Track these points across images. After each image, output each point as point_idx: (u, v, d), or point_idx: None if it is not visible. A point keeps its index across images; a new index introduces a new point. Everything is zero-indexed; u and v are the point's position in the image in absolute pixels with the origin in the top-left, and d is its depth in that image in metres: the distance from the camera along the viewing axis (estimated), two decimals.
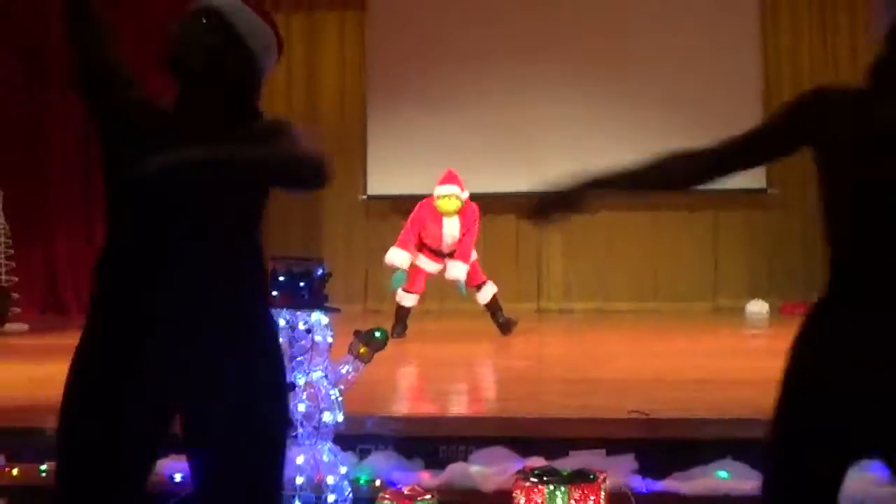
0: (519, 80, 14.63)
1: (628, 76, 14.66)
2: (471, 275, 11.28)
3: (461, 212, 11.08)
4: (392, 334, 10.71)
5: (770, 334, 12.32)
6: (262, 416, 3.34)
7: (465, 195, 11.16)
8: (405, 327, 11.27)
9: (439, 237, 11.07)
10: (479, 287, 11.38)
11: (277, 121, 3.48)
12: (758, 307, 13.95)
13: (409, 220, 11.29)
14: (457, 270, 11.09)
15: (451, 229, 11.03)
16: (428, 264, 11.26)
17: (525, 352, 10.54)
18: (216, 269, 3.29)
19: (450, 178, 11.14)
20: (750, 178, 14.51)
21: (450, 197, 11.01)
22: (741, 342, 11.49)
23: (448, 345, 10.92)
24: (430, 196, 11.07)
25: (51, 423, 6.31)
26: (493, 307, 11.47)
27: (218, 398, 3.28)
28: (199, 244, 3.28)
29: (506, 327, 11.37)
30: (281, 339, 3.81)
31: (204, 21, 3.42)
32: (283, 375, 3.48)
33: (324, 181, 3.25)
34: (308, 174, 3.25)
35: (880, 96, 3.23)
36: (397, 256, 11.14)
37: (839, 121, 3.20)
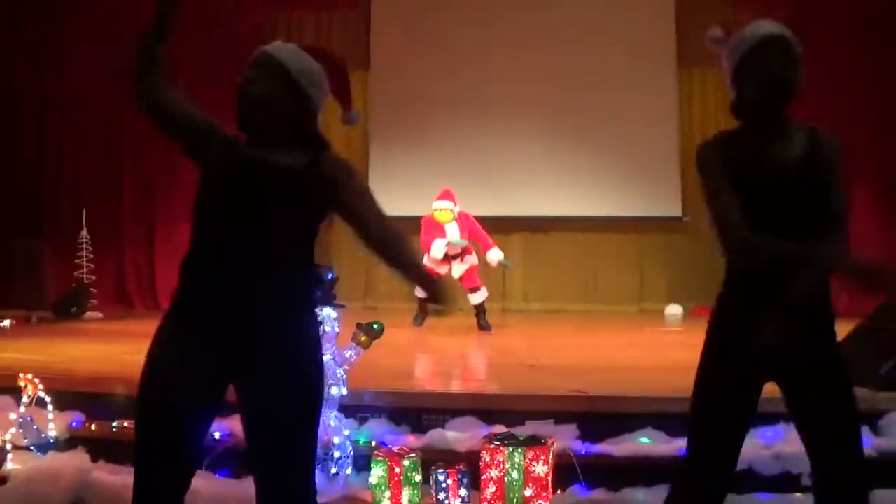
0: (492, 129, 14.62)
1: (573, 129, 14.66)
2: (468, 277, 11.24)
3: (457, 219, 11.10)
4: (415, 323, 11.21)
5: (683, 331, 12.29)
6: (304, 388, 3.32)
7: (458, 208, 11.20)
8: (425, 316, 11.42)
9: (444, 236, 11.06)
10: (473, 290, 11.29)
11: (345, 167, 3.47)
12: (674, 310, 13.94)
13: (420, 240, 11.13)
14: (493, 255, 11.30)
15: (453, 233, 11.02)
16: (435, 266, 11.11)
17: (491, 343, 10.50)
18: (274, 275, 3.26)
19: (444, 195, 11.16)
20: (670, 208, 14.57)
21: (444, 210, 11.03)
22: (660, 337, 11.45)
23: (433, 336, 10.86)
24: (426, 214, 11.07)
25: (119, 389, 6.40)
26: (479, 309, 11.41)
27: (270, 373, 3.26)
28: (263, 254, 3.25)
29: (484, 328, 11.32)
30: None
31: (258, 72, 3.36)
32: (321, 362, 3.44)
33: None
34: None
35: (742, 135, 3.51)
36: (435, 247, 11.07)
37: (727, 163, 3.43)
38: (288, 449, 3.30)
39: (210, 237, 3.29)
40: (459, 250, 11.11)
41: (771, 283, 3.35)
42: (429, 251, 10.97)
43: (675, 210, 14.71)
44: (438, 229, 11.05)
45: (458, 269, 11.16)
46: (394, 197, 13.57)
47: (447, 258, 11.10)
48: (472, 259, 11.30)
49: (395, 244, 3.46)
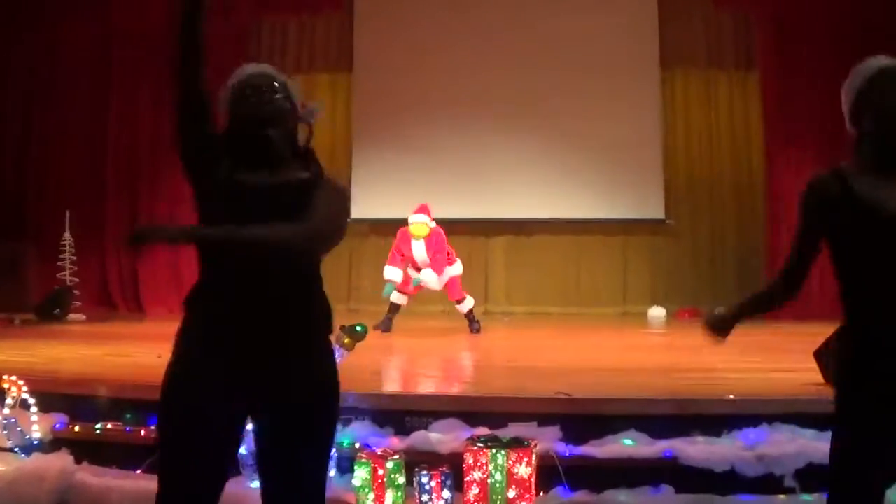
0: (475, 131, 14.65)
1: (556, 131, 14.68)
2: (452, 290, 11.29)
3: (427, 237, 10.96)
4: (380, 325, 10.94)
5: (666, 333, 12.36)
6: (319, 416, 3.31)
7: (433, 224, 11.10)
8: (391, 322, 11.22)
9: (412, 257, 11.02)
10: (459, 301, 11.36)
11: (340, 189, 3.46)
12: (657, 312, 13.98)
13: (393, 246, 11.19)
14: (425, 275, 11.01)
15: (419, 251, 10.95)
16: (412, 273, 11.16)
17: (474, 345, 10.52)
18: (278, 301, 3.23)
19: (421, 210, 11.09)
20: (653, 211, 14.61)
21: (420, 224, 10.95)
22: (644, 339, 11.50)
23: (416, 339, 10.88)
24: (404, 223, 11.06)
25: (103, 391, 6.41)
26: (469, 317, 11.44)
27: (286, 401, 3.24)
28: (262, 283, 3.21)
29: (475, 330, 11.38)
30: None
31: (257, 92, 3.35)
32: (337, 386, 3.41)
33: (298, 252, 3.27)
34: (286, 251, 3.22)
35: (860, 172, 3.34)
36: (391, 272, 11.11)
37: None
38: (304, 478, 3.31)
39: (225, 265, 3.28)
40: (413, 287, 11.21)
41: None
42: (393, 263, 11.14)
43: (658, 212, 14.77)
44: (408, 245, 11.04)
45: (438, 280, 11.15)
46: (377, 199, 13.70)
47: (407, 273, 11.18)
48: (455, 269, 11.27)
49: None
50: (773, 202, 13.75)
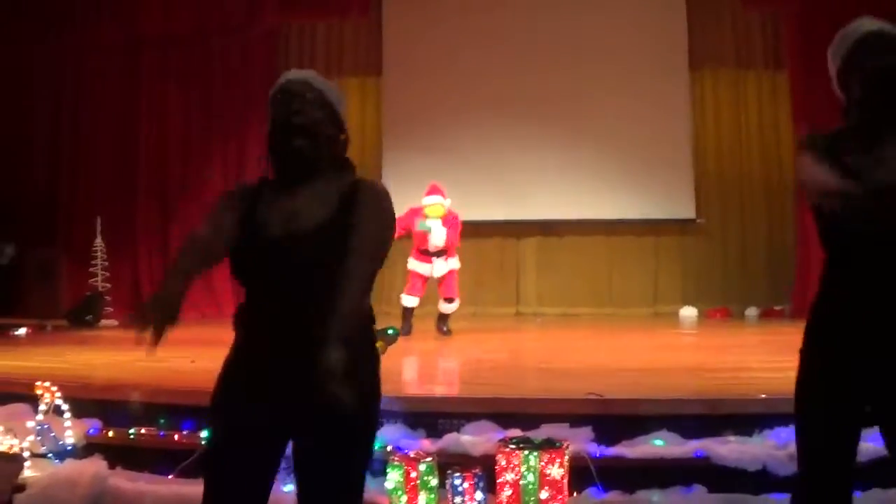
0: (504, 133, 14.68)
1: (586, 132, 14.69)
2: (447, 285, 11.10)
3: (444, 218, 10.85)
4: (401, 332, 10.74)
5: (697, 333, 12.35)
6: (361, 423, 3.30)
7: (448, 203, 10.96)
8: (410, 326, 11.03)
9: (425, 237, 10.85)
10: (449, 300, 11.16)
11: (381, 192, 3.44)
12: (689, 312, 13.97)
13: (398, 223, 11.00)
14: (435, 226, 10.82)
15: (437, 233, 10.79)
16: (418, 266, 11.03)
17: (506, 346, 10.53)
18: (311, 321, 3.13)
19: (433, 190, 10.99)
20: (683, 210, 14.58)
21: (436, 206, 10.84)
22: (675, 339, 11.47)
23: (445, 340, 10.89)
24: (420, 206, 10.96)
25: (135, 396, 6.47)
26: (446, 319, 11.29)
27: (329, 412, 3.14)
28: (300, 298, 3.20)
29: (445, 332, 11.23)
30: None
31: (300, 97, 3.32)
32: (378, 393, 3.42)
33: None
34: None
35: (849, 135, 3.37)
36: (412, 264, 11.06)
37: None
38: (344, 484, 3.31)
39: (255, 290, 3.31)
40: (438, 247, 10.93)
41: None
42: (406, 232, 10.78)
43: (688, 212, 14.74)
44: (414, 224, 10.87)
45: (439, 269, 11.01)
46: (407, 201, 13.66)
47: (428, 254, 10.96)
48: (454, 263, 11.10)
49: (343, 281, 3.20)
50: (803, 202, 13.66)
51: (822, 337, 3.38)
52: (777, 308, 13.79)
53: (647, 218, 14.77)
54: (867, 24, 3.41)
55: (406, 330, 10.88)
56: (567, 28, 14.86)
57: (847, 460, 3.34)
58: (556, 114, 14.71)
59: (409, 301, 11.14)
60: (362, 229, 3.23)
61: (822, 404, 3.34)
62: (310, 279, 3.19)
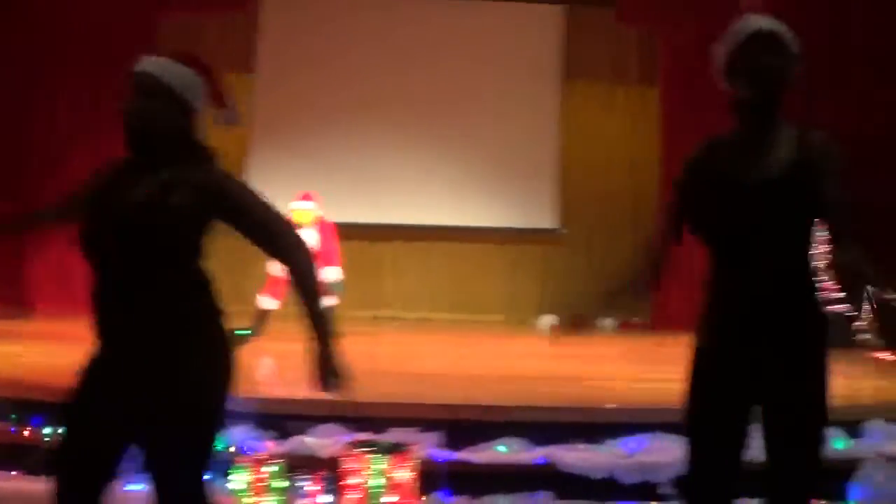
0: (373, 137, 14.68)
1: (454, 138, 14.77)
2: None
3: (317, 224, 10.72)
4: (252, 333, 10.48)
5: (554, 342, 12.48)
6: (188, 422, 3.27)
7: (320, 212, 10.84)
8: (261, 328, 10.76)
9: None
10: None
11: (235, 182, 3.40)
12: (548, 320, 14.10)
13: None
14: (328, 274, 10.65)
15: (309, 238, 10.67)
16: (281, 271, 10.83)
17: (360, 349, 10.43)
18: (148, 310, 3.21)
19: (305, 197, 10.85)
20: (547, 220, 14.76)
21: (304, 211, 10.66)
22: (531, 347, 11.59)
23: (298, 342, 10.72)
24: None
25: None
26: (264, 318, 10.93)
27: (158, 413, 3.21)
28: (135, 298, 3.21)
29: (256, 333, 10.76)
30: None
31: (136, 92, 3.33)
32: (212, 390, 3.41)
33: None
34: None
35: (729, 138, 3.45)
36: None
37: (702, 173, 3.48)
38: (180, 484, 3.29)
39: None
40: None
41: None
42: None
43: (552, 222, 14.93)
44: None
45: (324, 273, 10.69)
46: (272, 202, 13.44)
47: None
48: (332, 273, 10.91)
49: (301, 275, 3.46)
50: None
51: (709, 335, 3.47)
52: (635, 320, 14.01)
53: (510, 226, 14.90)
54: (755, 21, 3.44)
55: (257, 331, 10.71)
56: (441, 33, 14.93)
57: (735, 459, 3.42)
58: (426, 119, 14.78)
59: (267, 303, 10.93)
60: (263, 217, 3.36)
61: (711, 402, 3.43)
62: (131, 261, 3.18)
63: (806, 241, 3.39)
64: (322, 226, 10.86)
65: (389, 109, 14.73)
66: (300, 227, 10.48)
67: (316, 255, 9.78)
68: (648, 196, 14.60)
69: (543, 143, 15.00)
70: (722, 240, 3.39)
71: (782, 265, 3.34)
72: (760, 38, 3.38)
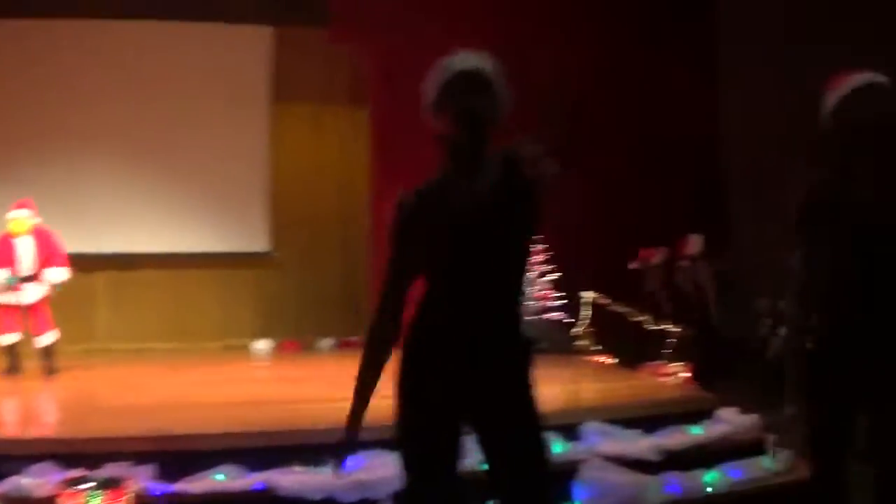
0: (81, 161, 14.29)
1: (165, 166, 14.60)
2: (40, 316, 10.59)
3: (34, 233, 10.47)
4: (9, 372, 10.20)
5: (270, 366, 12.61)
6: None
7: (37, 220, 10.59)
8: (15, 366, 10.50)
9: (12, 259, 10.35)
10: (43, 332, 10.64)
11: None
12: (262, 345, 14.18)
13: None
14: (55, 275, 10.48)
15: (25, 249, 10.39)
16: (3, 297, 10.43)
17: (73, 384, 10.29)
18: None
19: (22, 204, 10.60)
20: (258, 244, 14.83)
21: (19, 220, 10.41)
22: (246, 372, 11.64)
23: (8, 381, 10.44)
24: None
25: None
26: (49, 351, 10.70)
27: None
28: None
29: (51, 371, 10.59)
30: None
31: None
32: None
33: None
34: None
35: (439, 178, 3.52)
36: None
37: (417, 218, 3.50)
38: None
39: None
40: (8, 287, 10.40)
41: None
42: None
43: (263, 246, 15.01)
44: (7, 249, 10.41)
45: (29, 295, 10.53)
46: None
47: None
48: (57, 274, 10.63)
49: None
50: (378, 236, 14.17)
51: (417, 354, 3.52)
52: (352, 339, 14.24)
53: (221, 251, 14.87)
54: (462, 61, 3.45)
55: (14, 368, 10.43)
56: (152, 57, 14.66)
57: (449, 471, 3.53)
58: (136, 146, 14.48)
59: (6, 339, 10.57)
60: None
61: (424, 418, 3.53)
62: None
63: (519, 265, 3.53)
64: (38, 233, 10.60)
65: (101, 137, 14.36)
66: (16, 235, 10.23)
67: (39, 261, 9.45)
68: (358, 217, 14.87)
69: (254, 167, 15.02)
70: (434, 266, 3.47)
71: (494, 290, 3.44)
72: (465, 78, 3.39)
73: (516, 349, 3.53)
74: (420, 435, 3.54)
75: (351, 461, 5.98)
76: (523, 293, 3.63)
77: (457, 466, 3.55)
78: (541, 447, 3.53)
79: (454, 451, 3.53)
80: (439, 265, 3.47)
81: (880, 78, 4.07)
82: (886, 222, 3.90)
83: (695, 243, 13.00)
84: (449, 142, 3.44)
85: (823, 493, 4.15)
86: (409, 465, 3.55)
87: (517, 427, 3.49)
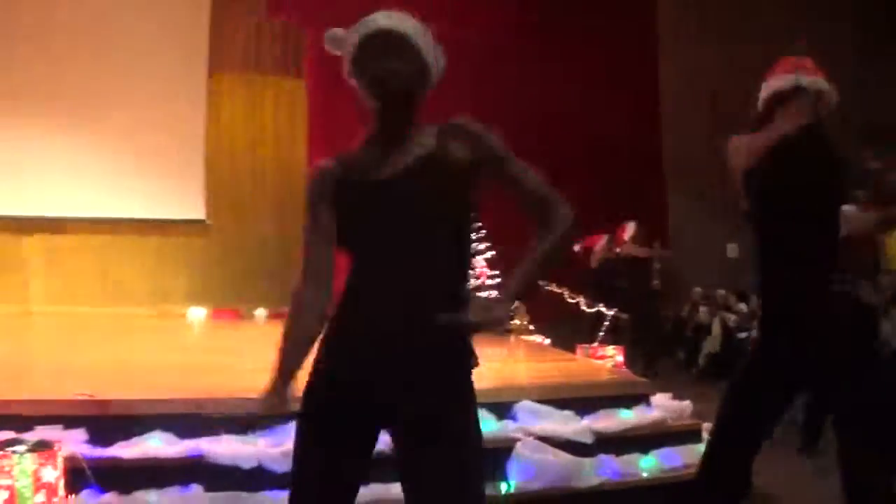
0: (15, 126, 14.19)
1: (101, 130, 14.55)
2: None
3: None
4: None
5: (204, 333, 12.55)
6: None
7: None
8: None
9: None
10: None
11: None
12: (196, 312, 14.15)
13: None
14: None
15: None
16: None
17: (4, 347, 10.14)
18: None
19: None
20: (193, 211, 14.76)
21: None
22: (180, 339, 11.61)
23: None
24: None
25: None
26: None
27: None
28: None
29: None
30: None
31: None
32: None
33: None
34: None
35: (361, 149, 3.21)
36: None
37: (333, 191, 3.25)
38: None
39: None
40: None
41: None
42: None
43: (198, 213, 14.92)
44: None
45: None
46: None
47: None
48: None
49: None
50: None
51: (330, 340, 3.13)
52: (286, 309, 14.24)
53: (156, 217, 14.81)
54: (376, 20, 3.08)
55: None
56: (88, 23, 14.59)
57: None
58: (72, 110, 14.44)
59: None
60: None
61: (322, 418, 3.07)
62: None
63: (450, 246, 3.04)
64: None
65: (37, 99, 14.27)
66: None
67: None
68: (294, 186, 14.87)
69: (189, 135, 15.04)
70: (357, 245, 3.12)
71: (422, 270, 2.96)
72: (380, 39, 3.05)
73: (450, 345, 2.99)
74: (312, 439, 3.07)
75: (280, 431, 5.99)
76: (461, 279, 3.09)
77: (349, 494, 3.12)
78: (467, 477, 2.99)
79: (349, 472, 3.09)
80: (352, 238, 3.14)
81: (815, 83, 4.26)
82: None
83: (630, 229, 13.24)
84: (369, 109, 3.14)
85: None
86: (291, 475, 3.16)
87: (440, 446, 2.95)
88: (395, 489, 3.10)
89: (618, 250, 13.40)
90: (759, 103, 4.45)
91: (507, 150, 3.07)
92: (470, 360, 3.06)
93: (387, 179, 3.03)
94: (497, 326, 2.85)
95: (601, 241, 13.45)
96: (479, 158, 3.03)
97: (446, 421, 2.95)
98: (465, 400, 3.04)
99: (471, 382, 3.06)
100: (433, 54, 3.13)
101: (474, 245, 12.30)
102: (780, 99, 4.39)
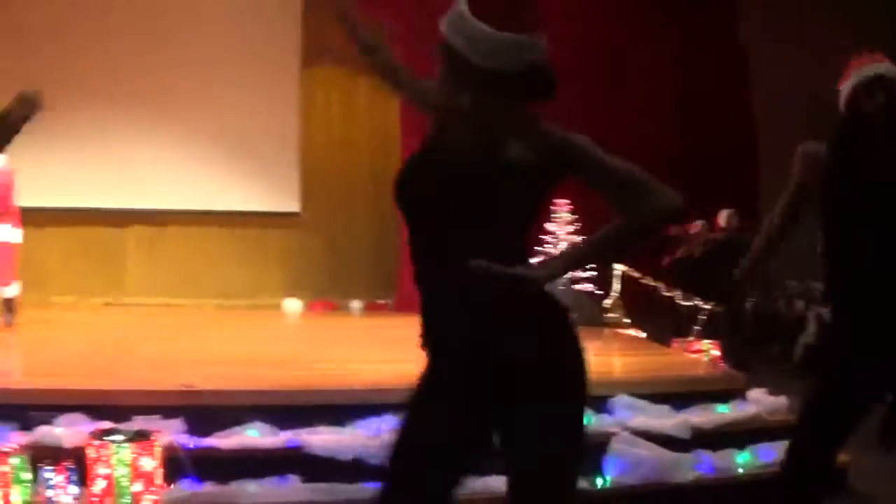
0: (118, 120, 14.26)
1: (197, 124, 14.66)
2: (4, 264, 10.01)
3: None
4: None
5: (299, 325, 12.61)
6: None
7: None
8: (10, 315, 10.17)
9: None
10: (9, 284, 10.16)
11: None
12: (292, 304, 14.22)
13: None
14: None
15: None
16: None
17: (101, 337, 10.28)
18: None
19: None
20: (289, 204, 14.84)
21: None
22: (276, 331, 11.67)
23: (35, 330, 10.44)
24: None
25: None
26: (10, 304, 10.23)
27: None
28: None
29: (9, 324, 10.14)
30: None
31: None
32: None
33: None
34: None
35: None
36: None
37: None
38: None
39: None
40: None
41: None
42: None
43: (293, 206, 15.01)
44: None
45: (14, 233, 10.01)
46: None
47: None
48: (12, 234, 10.00)
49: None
50: None
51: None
52: (381, 302, 14.30)
53: (252, 210, 14.90)
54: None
55: (8, 320, 10.13)
56: (181, 15, 14.69)
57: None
58: (171, 105, 14.54)
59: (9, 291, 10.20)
60: None
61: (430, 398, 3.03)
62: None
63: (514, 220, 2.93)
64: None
65: (132, 94, 14.34)
66: None
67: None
68: (390, 178, 14.77)
69: (284, 128, 15.06)
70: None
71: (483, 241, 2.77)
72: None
73: (539, 313, 2.82)
74: (418, 419, 2.96)
75: (376, 423, 6.00)
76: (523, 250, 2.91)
77: (451, 483, 2.95)
78: (561, 469, 2.84)
79: (454, 460, 2.93)
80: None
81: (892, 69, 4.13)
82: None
83: (725, 217, 12.97)
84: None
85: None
86: (390, 459, 2.97)
87: (536, 433, 2.80)
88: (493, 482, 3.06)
89: (716, 236, 13.09)
90: (841, 105, 4.32)
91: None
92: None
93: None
94: (532, 285, 2.65)
95: (696, 228, 13.16)
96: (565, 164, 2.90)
97: (546, 409, 2.79)
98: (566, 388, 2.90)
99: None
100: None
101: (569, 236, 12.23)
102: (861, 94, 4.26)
